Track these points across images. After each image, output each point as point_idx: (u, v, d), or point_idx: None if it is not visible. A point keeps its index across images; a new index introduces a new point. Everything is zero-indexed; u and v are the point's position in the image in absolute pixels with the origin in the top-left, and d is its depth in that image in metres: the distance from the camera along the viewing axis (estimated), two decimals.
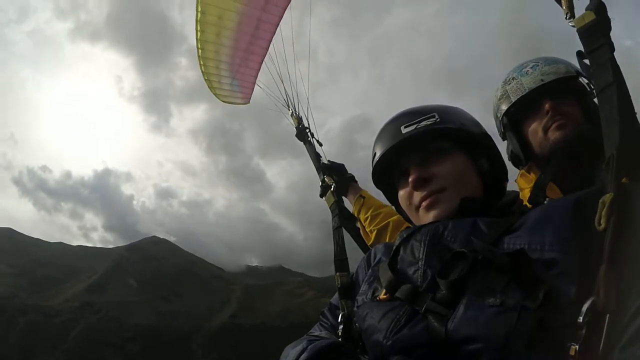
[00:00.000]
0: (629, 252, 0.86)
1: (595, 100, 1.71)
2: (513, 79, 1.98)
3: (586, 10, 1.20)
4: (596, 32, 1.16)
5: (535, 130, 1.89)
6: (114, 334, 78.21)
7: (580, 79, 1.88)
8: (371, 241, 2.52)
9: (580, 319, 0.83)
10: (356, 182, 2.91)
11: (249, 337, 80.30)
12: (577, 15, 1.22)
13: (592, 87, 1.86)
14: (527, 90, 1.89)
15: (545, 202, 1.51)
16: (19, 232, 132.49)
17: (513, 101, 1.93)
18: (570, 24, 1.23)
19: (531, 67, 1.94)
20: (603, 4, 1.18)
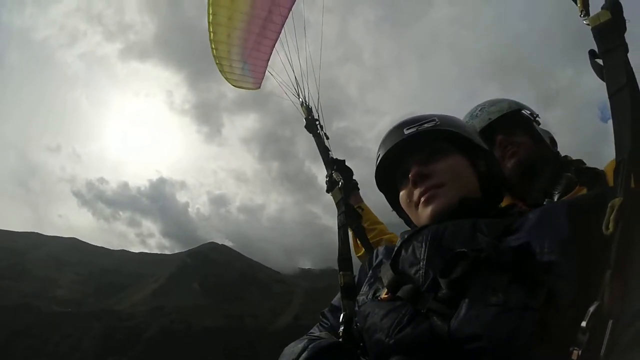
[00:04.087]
0: (635, 256, 0.87)
1: (540, 127, 2.09)
2: None
3: (602, 9, 1.16)
4: (611, 32, 1.13)
5: None
6: (185, 336, 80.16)
7: (523, 111, 2.09)
8: (361, 252, 2.56)
9: (584, 323, 0.84)
10: (358, 190, 2.90)
11: None
12: (592, 13, 1.18)
13: (535, 116, 2.11)
14: (478, 130, 1.99)
15: (545, 204, 1.53)
16: (83, 241, 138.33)
17: (477, 131, 1.99)
18: (584, 22, 1.19)
19: (479, 111, 2.14)
20: (619, 3, 1.15)
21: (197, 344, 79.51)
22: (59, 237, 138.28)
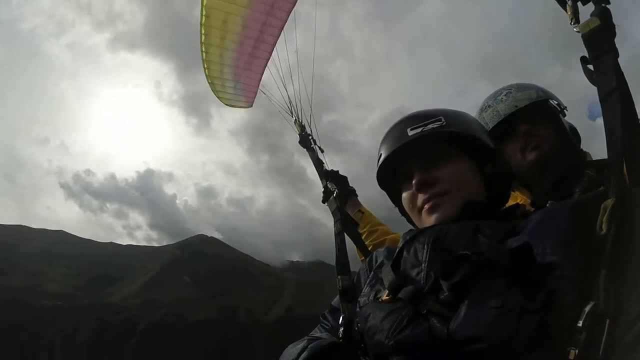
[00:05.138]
0: (629, 257, 0.88)
1: (565, 119, 2.03)
2: (489, 106, 2.07)
3: (591, 16, 1.19)
4: (601, 38, 1.15)
5: (512, 152, 1.94)
6: (178, 329, 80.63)
7: (550, 102, 1.99)
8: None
9: (580, 323, 0.85)
10: (356, 195, 2.90)
11: (305, 328, 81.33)
12: (582, 20, 1.21)
13: (561, 107, 2.01)
14: (502, 117, 1.99)
15: (547, 205, 1.57)
16: (71, 234, 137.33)
17: (490, 128, 2.00)
18: (575, 29, 1.22)
19: (505, 95, 2.04)
20: (608, 10, 1.18)
21: (191, 337, 79.90)
22: (47, 230, 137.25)
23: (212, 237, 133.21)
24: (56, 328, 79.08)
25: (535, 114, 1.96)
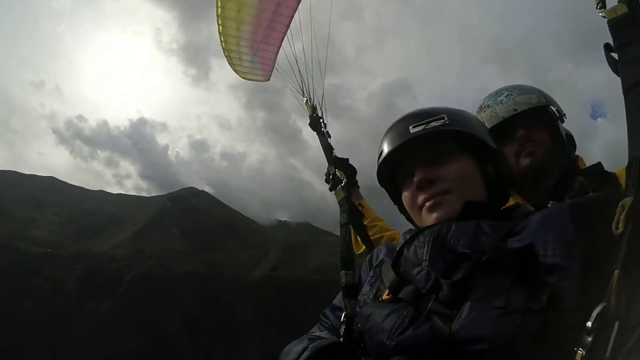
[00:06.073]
0: None
1: (563, 126, 2.02)
2: (488, 106, 2.07)
3: (619, 2, 1.15)
4: (627, 26, 1.10)
5: (507, 156, 1.87)
6: (165, 281, 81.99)
7: (550, 108, 1.98)
8: (361, 250, 2.58)
9: (589, 324, 0.83)
10: (358, 187, 2.90)
11: (289, 289, 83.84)
12: (609, 6, 1.17)
13: (561, 114, 2.00)
14: (500, 119, 1.99)
15: (549, 205, 1.53)
16: (61, 181, 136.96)
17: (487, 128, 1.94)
18: (600, 14, 1.18)
19: (505, 96, 2.03)
20: None
21: (177, 290, 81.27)
22: (37, 175, 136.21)
23: (202, 191, 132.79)
24: (44, 275, 79.67)
25: (533, 119, 1.98)
